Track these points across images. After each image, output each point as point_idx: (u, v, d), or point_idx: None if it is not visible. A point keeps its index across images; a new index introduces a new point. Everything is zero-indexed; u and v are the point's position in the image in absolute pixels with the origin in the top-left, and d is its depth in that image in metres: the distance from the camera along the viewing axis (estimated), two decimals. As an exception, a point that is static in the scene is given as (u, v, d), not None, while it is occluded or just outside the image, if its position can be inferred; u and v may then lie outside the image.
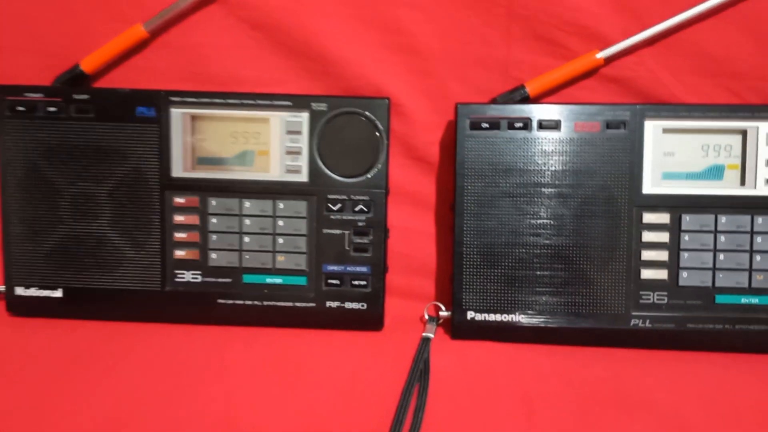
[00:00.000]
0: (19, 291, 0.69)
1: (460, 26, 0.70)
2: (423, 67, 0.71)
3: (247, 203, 0.67)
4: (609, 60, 0.68)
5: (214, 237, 0.67)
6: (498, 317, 0.65)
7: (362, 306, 0.67)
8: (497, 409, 0.55)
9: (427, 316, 0.70)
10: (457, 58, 0.71)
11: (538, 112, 0.64)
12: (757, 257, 0.63)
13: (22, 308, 0.69)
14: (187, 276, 0.68)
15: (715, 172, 0.64)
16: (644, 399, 0.57)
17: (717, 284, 0.64)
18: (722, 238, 0.63)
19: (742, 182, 0.64)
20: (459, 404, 0.56)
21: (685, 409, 0.55)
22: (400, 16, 0.70)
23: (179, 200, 0.67)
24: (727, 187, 0.64)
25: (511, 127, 0.64)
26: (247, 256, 0.67)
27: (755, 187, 0.63)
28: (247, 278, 0.68)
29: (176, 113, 0.67)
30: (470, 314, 0.66)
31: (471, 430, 0.52)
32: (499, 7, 0.69)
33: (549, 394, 0.57)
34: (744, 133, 0.63)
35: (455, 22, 0.70)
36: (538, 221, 0.64)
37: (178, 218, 0.67)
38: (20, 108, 0.66)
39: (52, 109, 0.66)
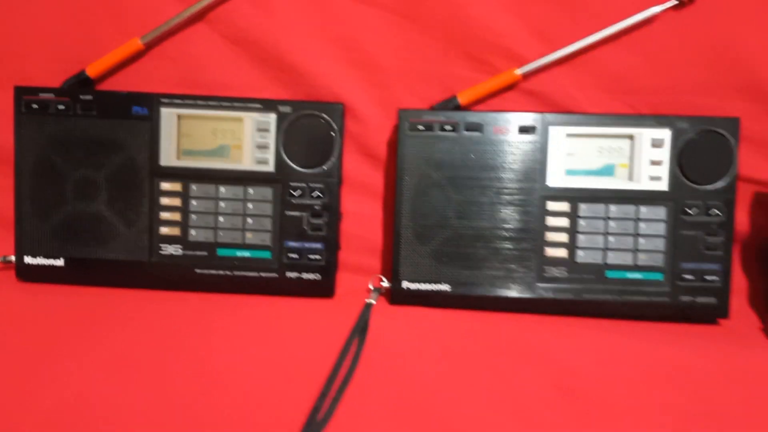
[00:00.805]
0: (28, 260, 0.81)
1: (407, 46, 0.83)
2: (375, 79, 0.85)
3: (222, 189, 0.80)
4: (526, 76, 0.82)
5: (194, 217, 0.80)
6: (428, 286, 0.78)
7: (317, 276, 0.80)
8: (422, 360, 0.66)
9: (371, 287, 0.83)
10: (404, 73, 0.84)
11: (465, 117, 0.78)
12: (641, 240, 0.77)
13: (29, 275, 0.81)
14: (170, 249, 0.81)
15: (608, 170, 0.78)
16: (544, 354, 0.68)
17: (607, 261, 0.77)
18: (612, 224, 0.77)
19: (630, 178, 0.77)
20: (391, 355, 0.67)
21: (578, 362, 0.66)
22: (358, 36, 0.84)
23: (166, 185, 0.80)
24: (618, 182, 0.78)
25: (442, 129, 0.78)
26: (221, 233, 0.80)
27: (640, 182, 0.77)
28: (221, 252, 0.80)
29: (165, 112, 0.79)
30: (405, 284, 0.79)
31: (398, 374, 0.63)
32: (438, 32, 0.82)
33: (466, 349, 0.69)
34: (632, 137, 0.77)
35: (403, 43, 0.83)
36: (463, 207, 0.78)
37: (164, 201, 0.80)
38: (34, 106, 0.79)
39: (61, 107, 0.79)
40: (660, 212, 0.76)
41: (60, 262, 0.81)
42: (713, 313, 0.77)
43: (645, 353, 0.70)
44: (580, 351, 0.69)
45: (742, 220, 0.84)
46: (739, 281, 0.85)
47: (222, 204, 0.80)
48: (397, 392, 0.61)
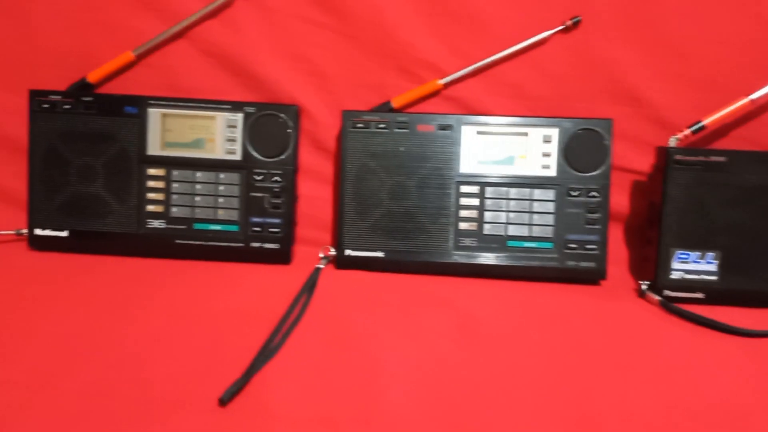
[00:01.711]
0: (37, 231, 0.97)
1: (349, 60, 1.02)
2: (325, 86, 1.03)
3: (198, 174, 0.97)
4: (447, 85, 1.01)
5: (175, 197, 0.97)
6: (366, 254, 0.96)
7: (276, 246, 0.98)
8: (358, 309, 0.82)
9: (321, 255, 1.00)
10: (349, 81, 1.03)
11: (396, 117, 0.96)
12: (535, 216, 0.95)
13: (39, 244, 0.98)
14: (155, 223, 0.98)
15: (510, 160, 0.96)
16: (453, 306, 0.85)
17: (508, 233, 0.96)
18: (512, 203, 0.96)
19: (526, 167, 0.96)
20: (333, 305, 0.84)
21: (480, 312, 0.83)
22: (310, 51, 1.02)
23: (152, 171, 0.97)
24: (517, 169, 0.96)
25: (378, 127, 0.96)
26: (198, 211, 0.97)
27: (534, 170, 0.95)
28: (197, 225, 0.98)
29: (152, 111, 0.97)
30: (348, 252, 0.97)
31: (338, 319, 0.79)
32: (375, 48, 1.01)
33: (392, 301, 0.86)
34: (527, 134, 0.96)
35: (347, 57, 1.02)
36: (394, 190, 0.96)
37: (150, 183, 0.97)
38: (45, 105, 0.96)
39: (67, 106, 0.96)
40: (550, 194, 0.95)
41: (65, 234, 0.97)
42: (594, 276, 0.95)
43: (535, 305, 0.88)
44: (482, 303, 0.87)
45: (623, 202, 1.03)
46: (622, 252, 1.04)
47: (198, 186, 0.98)
48: (336, 331, 0.77)
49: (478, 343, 0.76)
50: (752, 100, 0.94)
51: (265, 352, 0.71)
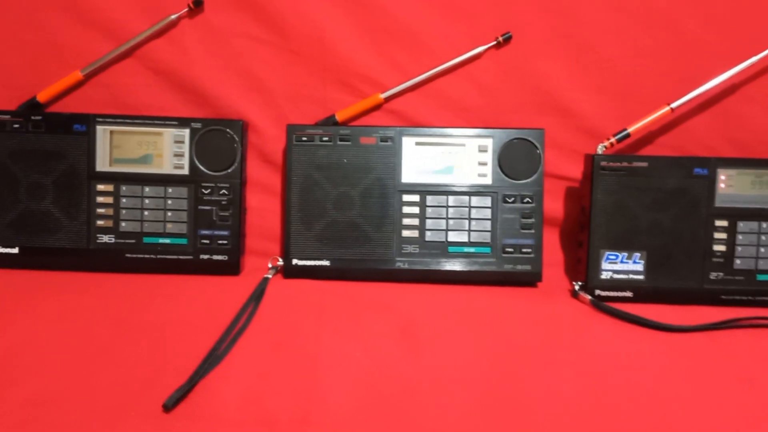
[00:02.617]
0: (-13, 249, 0.99)
1: (293, 75, 1.06)
2: (271, 101, 1.06)
3: (146, 188, 1.00)
4: (388, 99, 1.06)
5: (123, 211, 0.99)
6: (312, 263, 1.00)
7: (225, 258, 1.00)
8: (304, 316, 0.86)
9: (270, 265, 1.03)
10: (294, 96, 1.06)
11: (339, 130, 1.00)
12: (473, 223, 1.00)
13: (-11, 262, 1.00)
14: (105, 238, 1.00)
15: (449, 170, 1.01)
16: (396, 310, 0.88)
17: (449, 240, 1.00)
18: (451, 211, 1.00)
19: (464, 176, 1.01)
20: (280, 313, 0.87)
21: (421, 315, 0.87)
22: (255, 67, 1.06)
23: (101, 187, 0.99)
24: (455, 178, 1.00)
25: (321, 140, 1.00)
26: (147, 225, 1.00)
27: (471, 179, 1.00)
28: (146, 239, 1.00)
29: (100, 129, 0.99)
30: (295, 261, 1.00)
31: (284, 326, 0.83)
32: (318, 65, 1.05)
33: (337, 307, 0.89)
34: (464, 144, 1.01)
35: (291, 72, 1.06)
36: (339, 200, 1.00)
37: (100, 199, 0.99)
38: (-7, 124, 0.99)
39: (16, 125, 0.98)
40: (487, 201, 1.00)
41: (15, 251, 0.99)
42: (531, 278, 1.00)
43: (473, 307, 0.92)
44: (424, 307, 0.91)
45: (558, 207, 1.09)
46: (558, 255, 1.09)
47: (147, 201, 1.00)
48: (281, 337, 0.80)
49: (418, 345, 0.80)
50: (672, 109, 1.00)
51: (211, 359, 0.74)
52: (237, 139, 1.00)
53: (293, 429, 0.63)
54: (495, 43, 1.05)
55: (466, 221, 1.00)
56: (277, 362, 0.76)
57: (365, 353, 0.78)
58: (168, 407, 0.65)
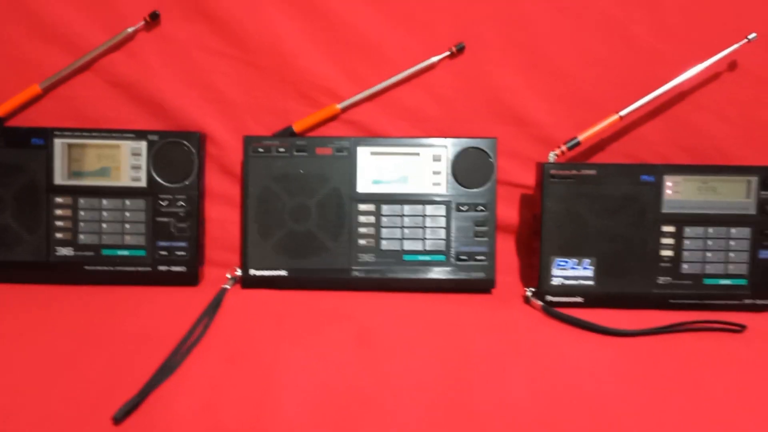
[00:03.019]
0: (-53, 263, 1.00)
1: (252, 86, 1.07)
2: (230, 113, 1.08)
3: (104, 201, 1.01)
4: (345, 109, 1.07)
5: (82, 224, 1.00)
6: (270, 273, 1.01)
7: (183, 269, 1.02)
8: (258, 325, 0.87)
9: (228, 276, 1.05)
10: (254, 107, 1.08)
11: (295, 141, 1.01)
12: (427, 231, 1.02)
13: (-51, 276, 1.00)
14: (64, 251, 1.01)
15: (404, 179, 1.03)
16: (351, 318, 0.90)
17: (404, 248, 1.02)
18: (406, 220, 1.02)
19: (419, 185, 1.02)
20: (237, 325, 0.87)
21: (376, 322, 0.88)
22: (212, 80, 1.07)
23: (59, 200, 1.00)
24: (410, 187, 1.02)
25: (278, 151, 1.01)
26: (105, 237, 1.01)
27: (426, 188, 1.02)
28: (105, 251, 1.01)
29: (58, 142, 1.00)
30: (252, 272, 1.01)
31: (241, 335, 0.84)
32: (275, 76, 1.07)
33: (293, 317, 0.90)
34: (419, 154, 1.02)
35: (249, 83, 1.07)
36: (295, 211, 1.01)
37: (58, 212, 1.00)
38: (-48, 140, 0.99)
39: (-26, 140, 1.00)
40: (441, 210, 1.02)
41: (-26, 265, 1.00)
42: (485, 285, 1.02)
43: (428, 314, 0.93)
44: (380, 315, 0.92)
45: (513, 214, 1.10)
46: (514, 261, 1.11)
47: (105, 213, 1.01)
48: (236, 348, 0.81)
49: (373, 353, 0.81)
50: (621, 117, 1.02)
51: (163, 371, 0.75)
52: (194, 151, 1.01)
53: (244, 441, 0.64)
54: (449, 53, 1.06)
55: (421, 230, 1.02)
56: (231, 372, 0.76)
57: (320, 362, 0.79)
58: (117, 420, 0.65)
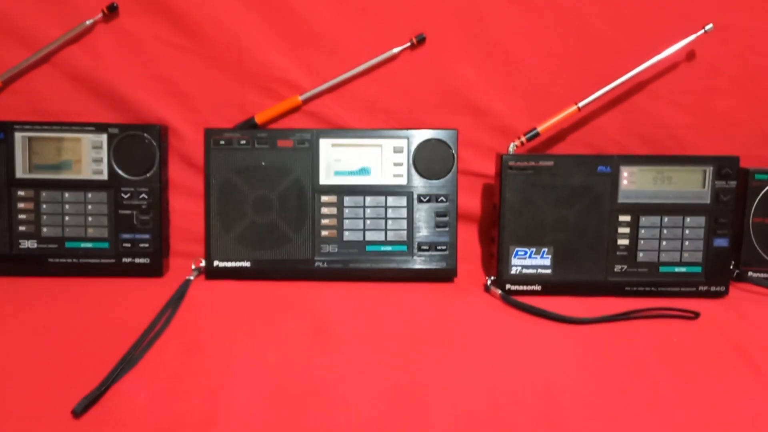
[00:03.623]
0: None
1: (211, 79, 1.07)
2: (191, 105, 1.08)
3: (67, 194, 1.01)
4: (307, 101, 1.08)
5: (45, 217, 1.01)
6: (233, 264, 1.02)
7: (147, 260, 1.02)
8: (220, 316, 0.88)
9: (193, 267, 1.05)
10: (214, 100, 1.08)
11: (256, 134, 1.02)
12: (389, 222, 1.03)
13: None
14: (27, 243, 1.01)
15: (365, 171, 1.04)
16: (311, 309, 0.91)
17: (366, 239, 1.03)
18: (368, 211, 1.03)
19: (381, 176, 1.03)
20: (199, 316, 0.89)
21: (335, 312, 0.89)
22: (173, 72, 1.07)
23: (21, 193, 1.01)
24: (372, 179, 1.03)
25: (239, 143, 1.02)
26: (68, 230, 1.01)
27: (388, 179, 1.03)
28: (69, 244, 1.01)
29: (18, 136, 1.00)
30: (216, 263, 1.02)
31: (201, 330, 0.84)
32: (235, 68, 1.07)
33: (255, 308, 0.91)
34: (381, 146, 1.03)
35: (208, 76, 1.07)
36: (257, 203, 1.02)
37: (21, 205, 1.00)
38: None
39: (-67, 135, 0.99)
40: (402, 201, 1.03)
41: (-62, 258, 1.00)
42: (447, 274, 1.03)
43: (388, 304, 0.95)
44: (341, 305, 0.93)
45: (476, 204, 1.12)
46: (477, 250, 1.13)
47: (67, 206, 1.01)
48: (197, 339, 0.82)
49: (330, 342, 0.83)
50: (579, 108, 1.03)
51: (124, 364, 0.76)
52: (155, 143, 1.01)
53: (197, 430, 0.66)
54: (409, 44, 1.07)
55: (383, 221, 1.03)
56: (190, 364, 0.78)
57: (277, 352, 0.80)
58: (77, 413, 0.67)
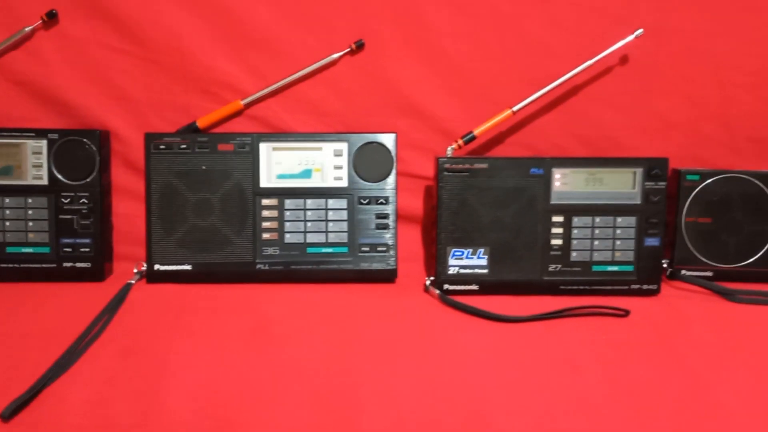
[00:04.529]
0: None
1: (154, 83, 1.08)
2: (135, 109, 1.08)
3: (7, 200, 1.01)
4: (249, 105, 1.09)
5: (-15, 222, 1.02)
6: (175, 267, 1.03)
7: (88, 265, 1.03)
8: (158, 320, 0.89)
9: (135, 270, 1.06)
10: (157, 104, 1.08)
11: (196, 138, 1.02)
12: (330, 224, 1.04)
13: None
14: (-33, 249, 1.02)
15: (307, 173, 1.05)
16: (252, 310, 0.92)
17: (308, 241, 1.04)
18: (309, 213, 1.04)
19: (322, 179, 1.05)
20: (138, 320, 0.89)
21: (276, 314, 0.91)
22: (114, 77, 1.07)
23: (-39, 199, 1.02)
24: (313, 182, 1.05)
25: (179, 148, 1.02)
26: (9, 235, 1.01)
27: (329, 182, 1.04)
28: (9, 249, 1.02)
29: (-43, 142, 1.01)
30: (157, 266, 1.03)
31: (139, 333, 0.85)
32: (178, 73, 1.07)
33: (195, 311, 0.91)
34: (321, 149, 1.04)
35: (151, 80, 1.08)
36: (198, 206, 1.02)
37: (-38, 211, 1.01)
38: None
39: None
40: (343, 203, 1.04)
41: None
42: (387, 275, 1.05)
43: (328, 305, 0.96)
44: (280, 307, 0.94)
45: (418, 205, 1.14)
46: (420, 250, 1.15)
47: (8, 212, 1.02)
48: (133, 342, 0.83)
49: (268, 344, 0.84)
50: (514, 111, 1.05)
51: (57, 368, 0.76)
52: (95, 148, 1.02)
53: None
54: (348, 50, 1.08)
55: (324, 223, 1.04)
56: (125, 367, 0.79)
57: (213, 355, 0.81)
58: (5, 417, 0.67)
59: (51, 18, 1.04)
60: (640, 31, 1.05)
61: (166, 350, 0.82)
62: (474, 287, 1.01)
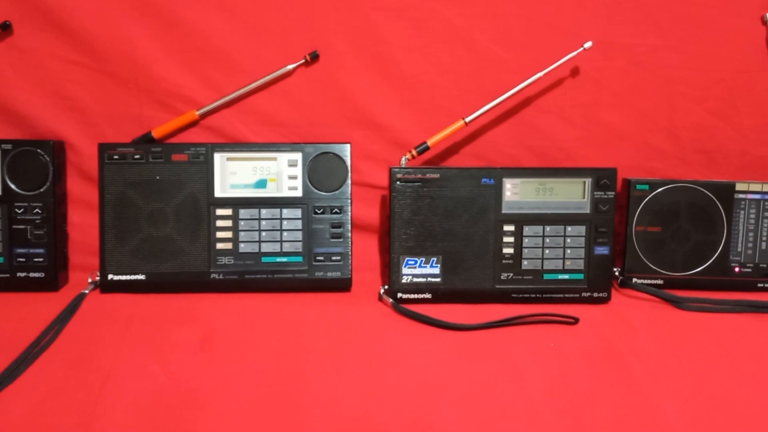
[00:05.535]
0: None
1: (108, 94, 1.08)
2: (89, 120, 1.09)
3: (-40, 210, 1.02)
4: (204, 115, 1.10)
5: (-65, 234, 1.01)
6: (129, 277, 1.03)
7: (42, 275, 1.03)
8: (109, 330, 0.89)
9: (89, 280, 1.05)
10: (111, 115, 1.09)
11: (150, 148, 1.03)
12: (285, 233, 1.05)
13: None
14: None
15: (262, 183, 1.06)
16: (203, 319, 0.93)
17: (263, 250, 1.05)
18: (264, 223, 1.05)
19: (277, 189, 1.06)
20: (89, 330, 0.90)
21: (224, 324, 0.92)
22: (69, 88, 1.08)
23: None
24: (269, 192, 1.05)
25: (133, 158, 1.03)
26: (-39, 246, 1.02)
27: (284, 192, 1.05)
28: (-39, 260, 1.02)
29: None
30: (111, 276, 1.03)
31: (88, 344, 0.85)
32: (131, 84, 1.08)
33: (146, 321, 0.92)
34: (276, 159, 1.05)
35: (105, 91, 1.08)
36: (152, 216, 1.02)
37: None
38: None
39: None
40: (298, 213, 1.05)
41: None
42: (342, 284, 1.06)
43: (282, 313, 0.97)
44: (232, 317, 0.95)
45: (374, 214, 1.15)
46: (376, 259, 1.16)
47: (-40, 222, 1.02)
48: (82, 353, 0.83)
49: (217, 353, 0.85)
50: (466, 122, 1.07)
51: (1, 379, 0.76)
52: (48, 159, 1.02)
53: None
54: (303, 61, 1.09)
55: (279, 232, 1.05)
56: (71, 377, 0.79)
57: (160, 364, 0.82)
58: None
59: (5, 29, 1.04)
60: (589, 43, 1.07)
61: (113, 360, 0.82)
62: (427, 296, 1.03)
